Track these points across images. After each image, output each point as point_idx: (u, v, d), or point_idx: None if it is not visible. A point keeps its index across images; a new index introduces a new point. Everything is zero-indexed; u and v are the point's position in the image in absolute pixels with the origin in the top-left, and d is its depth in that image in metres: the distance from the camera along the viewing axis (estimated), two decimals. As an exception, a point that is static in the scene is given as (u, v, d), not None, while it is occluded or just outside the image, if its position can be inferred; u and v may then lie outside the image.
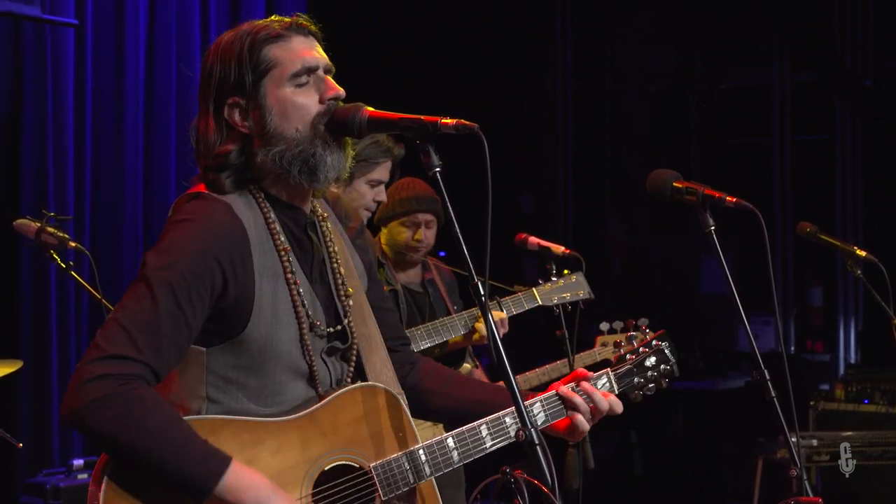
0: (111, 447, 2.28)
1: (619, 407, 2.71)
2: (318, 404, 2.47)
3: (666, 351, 2.91)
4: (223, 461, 2.30)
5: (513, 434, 2.57)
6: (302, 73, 2.46)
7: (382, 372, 2.65)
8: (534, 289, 4.50)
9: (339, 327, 2.56)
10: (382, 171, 4.11)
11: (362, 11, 8.29)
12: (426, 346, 4.27)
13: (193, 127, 2.53)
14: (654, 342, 2.91)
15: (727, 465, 7.91)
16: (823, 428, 6.11)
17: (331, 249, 2.61)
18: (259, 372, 2.43)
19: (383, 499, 2.47)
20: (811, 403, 6.39)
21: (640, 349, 2.90)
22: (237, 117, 2.46)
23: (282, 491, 2.35)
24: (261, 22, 2.51)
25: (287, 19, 2.51)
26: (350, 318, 2.59)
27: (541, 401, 2.66)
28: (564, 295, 4.49)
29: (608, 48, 10.16)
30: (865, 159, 8.99)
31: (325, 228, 2.62)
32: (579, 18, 10.09)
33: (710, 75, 9.89)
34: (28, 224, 4.27)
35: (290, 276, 2.46)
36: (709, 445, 8.34)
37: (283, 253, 2.46)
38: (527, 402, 2.65)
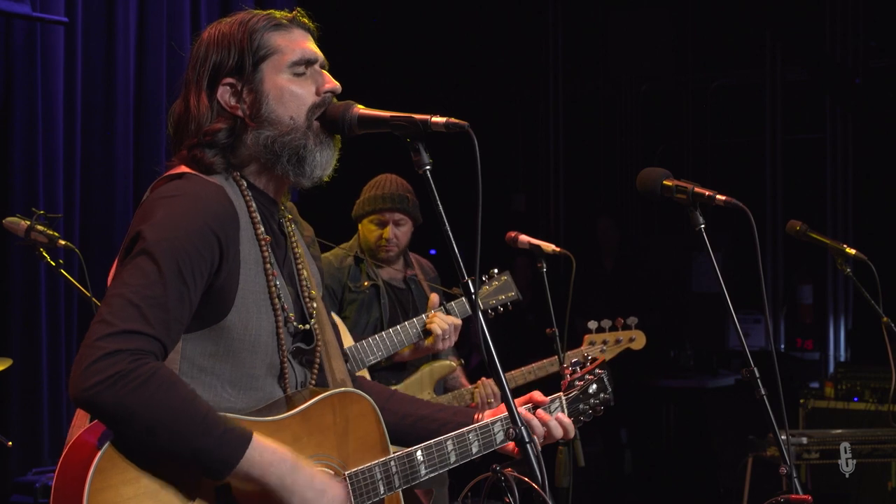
0: (126, 425, 2.18)
1: (571, 431, 2.74)
2: (299, 408, 2.43)
3: (605, 379, 2.93)
4: (245, 436, 2.25)
5: (475, 451, 2.63)
6: (301, 63, 2.47)
7: (342, 379, 2.64)
8: None
9: (306, 326, 2.55)
10: None
11: (354, 10, 8.28)
12: (374, 360, 4.22)
13: (177, 108, 2.49)
14: (596, 370, 2.93)
15: (717, 463, 7.92)
16: (813, 426, 6.13)
17: (297, 250, 2.60)
18: (235, 360, 2.39)
19: None
20: (801, 401, 6.41)
21: (586, 376, 2.91)
22: (229, 98, 2.45)
23: (303, 463, 2.33)
24: (261, 11, 2.52)
25: (288, 13, 2.53)
26: (314, 321, 2.58)
27: (500, 420, 2.67)
28: (499, 297, 4.51)
29: (600, 47, 10.17)
30: (856, 158, 9.00)
31: (290, 229, 2.61)
32: (571, 17, 10.10)
33: (701, 74, 9.90)
34: (18, 222, 4.26)
35: (268, 266, 2.44)
36: (699, 443, 8.34)
37: (263, 242, 2.44)
38: (487, 421, 2.67)
